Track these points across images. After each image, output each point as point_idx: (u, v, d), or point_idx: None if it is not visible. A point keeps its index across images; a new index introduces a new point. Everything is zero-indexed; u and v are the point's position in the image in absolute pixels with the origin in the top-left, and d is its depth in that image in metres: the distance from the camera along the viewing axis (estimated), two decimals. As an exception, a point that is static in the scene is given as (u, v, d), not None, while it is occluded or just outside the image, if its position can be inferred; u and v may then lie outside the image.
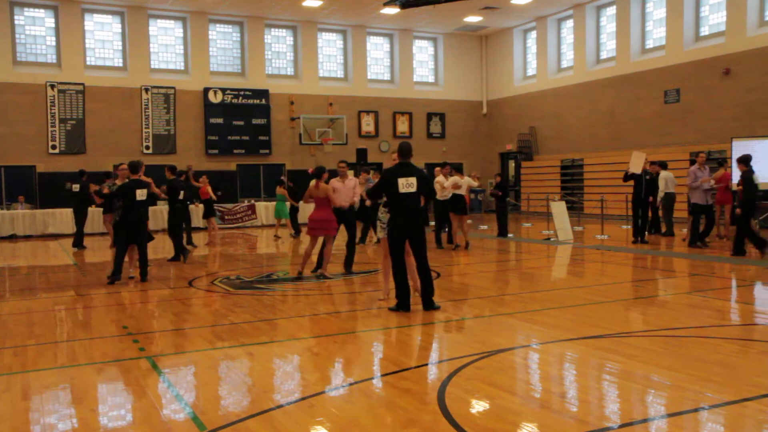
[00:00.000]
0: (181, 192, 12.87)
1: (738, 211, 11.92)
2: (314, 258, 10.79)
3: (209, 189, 16.38)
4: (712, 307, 7.69)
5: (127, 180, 10.34)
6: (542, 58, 25.89)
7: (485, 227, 19.55)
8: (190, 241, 15.39)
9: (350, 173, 11.40)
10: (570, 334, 6.34)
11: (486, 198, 28.34)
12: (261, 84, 24.55)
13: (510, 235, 17.29)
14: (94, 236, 18.24)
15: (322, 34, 26.03)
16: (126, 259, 10.37)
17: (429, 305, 7.46)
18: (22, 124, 21.28)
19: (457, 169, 14.54)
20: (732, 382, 4.72)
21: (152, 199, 10.65)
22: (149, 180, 11.11)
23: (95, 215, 18.22)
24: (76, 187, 15.80)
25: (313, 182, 9.99)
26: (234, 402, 4.62)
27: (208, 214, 16.54)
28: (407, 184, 7.29)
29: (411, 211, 7.31)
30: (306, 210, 20.37)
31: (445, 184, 13.51)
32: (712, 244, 13.68)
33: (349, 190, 10.52)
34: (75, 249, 15.41)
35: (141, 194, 10.06)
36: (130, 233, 10.07)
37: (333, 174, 11.30)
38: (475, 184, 15.24)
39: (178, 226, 12.72)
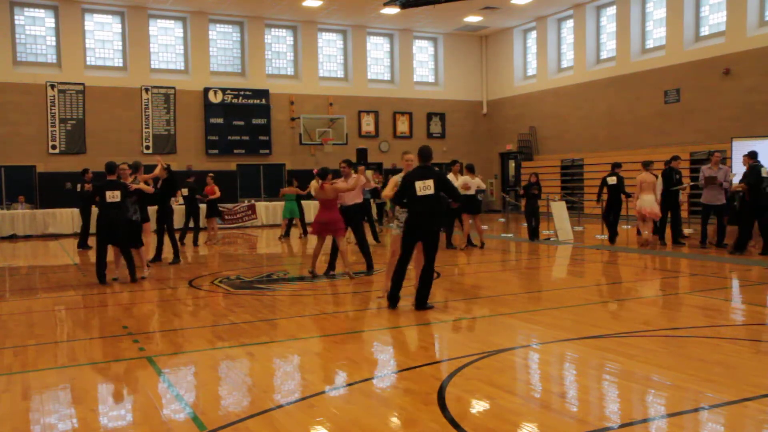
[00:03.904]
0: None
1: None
2: (323, 258, 10.82)
3: (215, 188, 16.51)
4: (712, 307, 7.68)
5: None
6: (542, 58, 25.89)
7: (485, 227, 19.53)
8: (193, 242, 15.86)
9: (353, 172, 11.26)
10: (570, 334, 6.34)
11: (486, 198, 28.34)
12: (261, 84, 24.55)
13: (504, 234, 17.33)
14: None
15: (322, 34, 26.03)
16: (111, 259, 10.30)
17: (421, 306, 7.54)
18: (22, 124, 21.27)
19: (470, 169, 14.16)
20: (732, 382, 4.72)
21: (136, 197, 10.48)
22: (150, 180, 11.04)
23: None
24: (88, 186, 15.49)
25: (315, 183, 9.99)
26: (234, 402, 4.62)
27: (211, 213, 16.63)
28: (424, 187, 7.50)
29: (428, 212, 7.51)
30: (311, 210, 20.42)
31: (455, 184, 13.42)
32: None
33: (356, 189, 10.48)
34: (80, 249, 15.40)
35: (112, 196, 9.80)
36: (105, 234, 9.93)
37: (337, 174, 11.26)
38: (483, 186, 15.16)
39: (163, 227, 12.45)
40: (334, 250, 10.48)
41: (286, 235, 17.52)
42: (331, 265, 10.49)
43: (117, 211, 9.88)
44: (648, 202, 13.42)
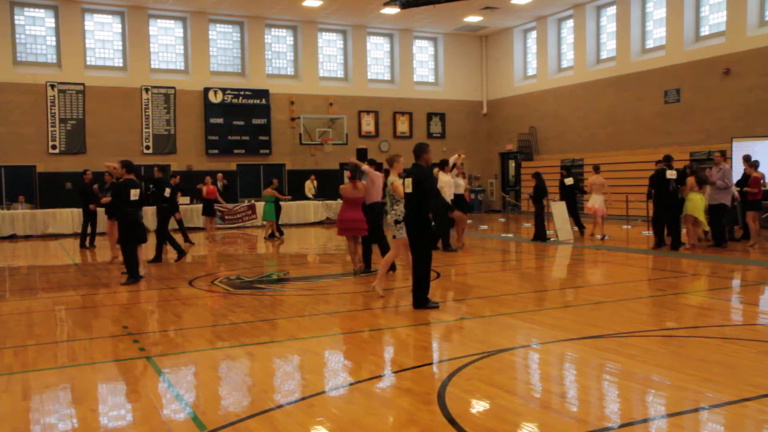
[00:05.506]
0: (167, 190, 12.79)
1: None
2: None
3: (213, 188, 16.55)
4: (712, 307, 7.68)
5: (122, 179, 10.27)
6: (542, 58, 25.88)
7: (485, 227, 19.54)
8: (187, 240, 15.88)
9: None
10: (570, 334, 6.34)
11: (486, 198, 28.35)
12: (261, 84, 24.54)
13: (504, 234, 17.33)
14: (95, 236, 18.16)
15: (322, 34, 26.03)
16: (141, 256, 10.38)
17: (419, 304, 7.53)
18: (22, 124, 21.27)
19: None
20: (732, 382, 4.72)
21: (146, 200, 10.61)
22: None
23: (101, 214, 17.74)
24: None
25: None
26: (234, 402, 4.63)
27: (208, 212, 16.69)
28: (407, 185, 7.61)
29: (410, 210, 7.58)
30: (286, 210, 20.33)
31: (459, 183, 13.65)
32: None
33: (378, 188, 10.47)
34: (81, 249, 15.35)
35: (134, 194, 9.92)
36: (130, 232, 10.00)
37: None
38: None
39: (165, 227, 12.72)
40: (385, 249, 10.33)
41: (282, 234, 17.57)
42: (367, 264, 10.53)
43: (137, 210, 10.01)
44: (598, 201, 15.19)
